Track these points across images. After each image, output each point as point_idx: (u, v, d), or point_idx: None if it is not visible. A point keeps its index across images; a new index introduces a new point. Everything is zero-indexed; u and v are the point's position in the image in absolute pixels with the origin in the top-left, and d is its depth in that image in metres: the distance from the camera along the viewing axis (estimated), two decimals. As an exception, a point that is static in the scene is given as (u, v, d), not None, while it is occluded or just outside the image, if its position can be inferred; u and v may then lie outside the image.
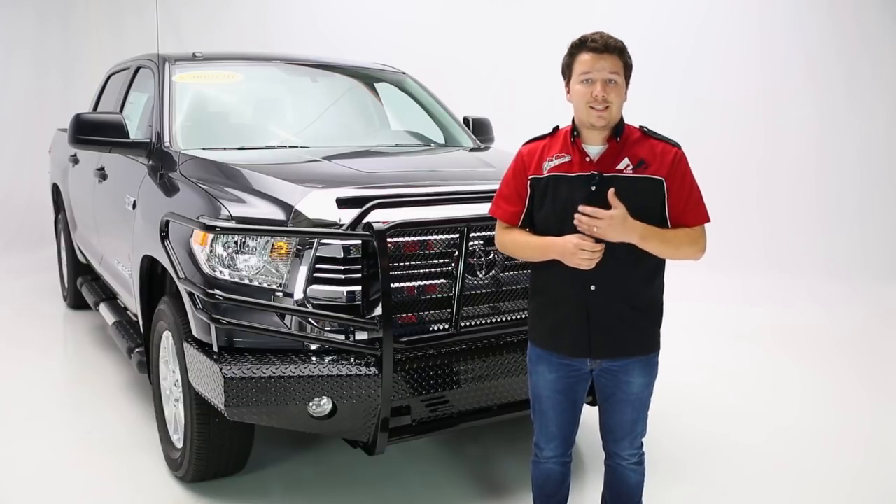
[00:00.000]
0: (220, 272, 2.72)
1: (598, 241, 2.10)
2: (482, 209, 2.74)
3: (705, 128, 7.66)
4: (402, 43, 8.08)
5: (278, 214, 2.74)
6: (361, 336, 2.71)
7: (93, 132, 3.61)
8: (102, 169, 4.37)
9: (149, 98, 4.12)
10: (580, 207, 2.08)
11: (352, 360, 2.66)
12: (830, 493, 3.24)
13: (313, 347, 2.72)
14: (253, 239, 2.70)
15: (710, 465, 3.46)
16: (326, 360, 2.66)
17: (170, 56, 4.09)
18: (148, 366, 3.50)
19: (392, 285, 2.65)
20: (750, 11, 7.65)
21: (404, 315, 2.77)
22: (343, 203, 2.74)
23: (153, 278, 3.45)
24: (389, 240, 2.62)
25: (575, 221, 2.09)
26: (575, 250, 2.10)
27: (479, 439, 3.63)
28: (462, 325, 2.80)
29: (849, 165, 7.43)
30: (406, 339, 2.69)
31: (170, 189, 3.28)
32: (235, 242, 2.71)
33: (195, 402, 2.86)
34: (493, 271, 2.91)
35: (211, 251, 2.73)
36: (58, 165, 5.88)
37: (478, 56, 8.31)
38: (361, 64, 4.80)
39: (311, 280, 2.67)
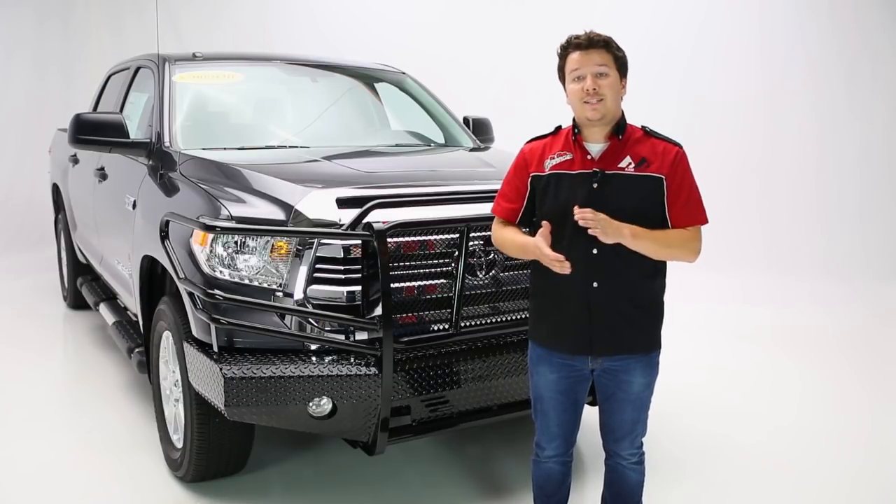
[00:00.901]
0: (220, 272, 2.72)
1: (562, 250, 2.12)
2: (482, 209, 2.75)
3: (705, 128, 7.66)
4: (403, 43, 8.08)
5: (278, 214, 2.74)
6: (361, 336, 2.71)
7: (93, 132, 3.61)
8: (102, 169, 4.37)
9: (149, 98, 4.12)
10: (575, 209, 2.09)
11: (352, 360, 2.66)
12: (830, 492, 3.24)
13: (313, 347, 2.72)
14: (253, 239, 2.70)
15: (711, 465, 3.46)
16: (326, 360, 2.66)
17: (170, 56, 4.09)
18: (148, 366, 3.50)
19: (392, 285, 2.65)
20: (750, 11, 7.65)
21: (404, 315, 2.77)
22: (343, 203, 2.74)
23: (153, 278, 3.45)
24: (389, 240, 2.62)
25: (577, 217, 2.08)
26: (537, 252, 2.15)
27: (479, 439, 3.63)
28: (462, 325, 2.80)
29: (849, 165, 7.43)
30: (406, 339, 2.69)
31: (170, 189, 3.28)
32: (235, 242, 2.71)
33: (195, 402, 2.86)
34: (493, 271, 2.91)
35: (211, 251, 2.73)
36: (58, 165, 5.88)
37: (478, 56, 8.32)
38: (361, 64, 4.80)
39: (311, 280, 2.67)
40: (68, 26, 9.26)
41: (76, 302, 5.85)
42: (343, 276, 2.68)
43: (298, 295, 2.67)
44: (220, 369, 2.55)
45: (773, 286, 6.73)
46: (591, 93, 2.12)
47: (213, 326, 2.63)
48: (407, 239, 2.75)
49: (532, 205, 2.30)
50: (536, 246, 2.15)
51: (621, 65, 2.18)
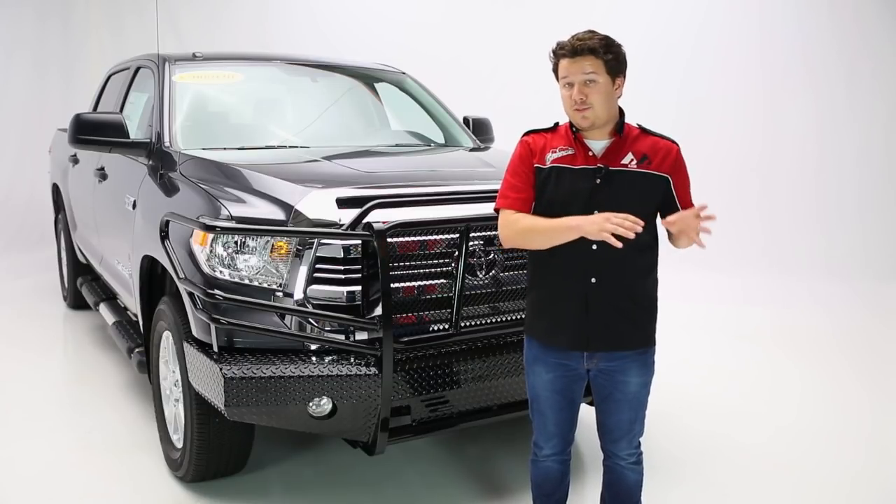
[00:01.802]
0: (220, 272, 2.72)
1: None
2: (482, 209, 2.75)
3: (705, 127, 7.66)
4: (403, 43, 8.08)
5: (278, 214, 2.74)
6: (361, 336, 2.71)
7: (93, 132, 3.61)
8: (102, 169, 4.37)
9: (149, 98, 4.12)
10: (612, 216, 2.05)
11: (352, 360, 2.66)
12: (830, 493, 3.24)
13: (313, 347, 2.72)
14: (253, 239, 2.70)
15: (710, 465, 3.46)
16: (326, 360, 2.66)
17: (170, 56, 4.09)
18: (148, 366, 3.50)
19: (392, 285, 2.65)
20: (750, 11, 7.65)
21: (404, 315, 2.77)
22: (343, 203, 2.74)
23: (153, 278, 3.45)
24: (389, 240, 2.62)
25: (612, 226, 2.02)
26: (604, 223, 2.03)
27: (478, 439, 3.63)
28: (462, 325, 2.80)
29: (849, 165, 7.43)
30: (406, 339, 2.69)
31: (170, 189, 3.28)
32: (235, 242, 2.71)
33: (195, 402, 2.86)
34: (493, 271, 2.91)
35: (211, 251, 2.73)
36: (58, 165, 5.88)
37: (478, 56, 8.31)
38: (361, 64, 4.80)
39: (311, 280, 2.67)
40: (68, 26, 9.26)
41: (76, 302, 5.85)
42: (343, 276, 2.68)
43: (298, 295, 2.67)
44: (220, 369, 2.55)
45: (773, 286, 6.74)
46: (578, 102, 2.15)
47: (213, 326, 2.63)
48: (407, 239, 2.75)
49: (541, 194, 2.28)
50: (604, 217, 2.04)
51: (612, 66, 2.18)
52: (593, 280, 2.20)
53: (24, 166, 8.58)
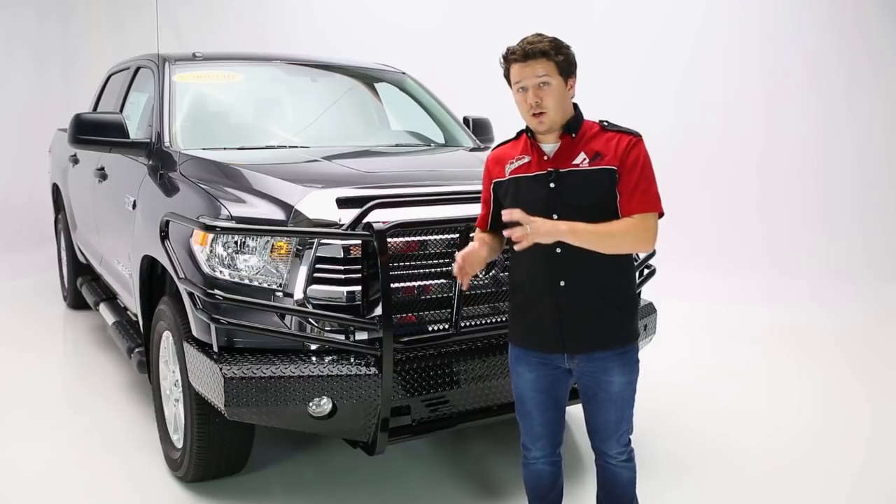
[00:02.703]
0: (220, 272, 2.72)
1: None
2: (482, 209, 2.75)
3: (705, 127, 7.67)
4: (403, 43, 8.08)
5: (278, 214, 2.74)
6: (361, 336, 2.71)
7: (93, 132, 3.61)
8: (102, 169, 4.37)
9: (149, 98, 4.12)
10: (503, 212, 2.13)
11: (352, 360, 2.66)
12: (830, 493, 3.24)
13: (313, 347, 2.72)
14: (253, 239, 2.70)
15: (710, 465, 3.46)
16: (326, 360, 2.66)
17: (170, 56, 4.09)
18: (148, 366, 3.50)
19: (392, 285, 2.65)
20: (750, 11, 7.65)
21: (404, 315, 2.77)
22: (343, 203, 2.74)
23: (153, 278, 3.45)
24: (389, 240, 2.62)
25: (505, 233, 2.11)
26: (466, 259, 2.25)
27: (478, 439, 3.63)
28: (462, 325, 2.80)
29: (849, 165, 7.43)
30: (406, 339, 2.69)
31: (170, 189, 3.28)
32: (235, 242, 2.71)
33: (195, 402, 2.86)
34: (493, 271, 2.91)
35: (211, 251, 2.73)
36: (58, 165, 5.88)
37: (478, 56, 8.26)
38: (361, 64, 4.80)
39: (311, 280, 2.67)
40: (68, 26, 9.26)
41: (76, 302, 5.85)
42: (343, 276, 2.68)
43: (298, 295, 2.67)
44: (220, 369, 2.55)
45: (773, 286, 6.74)
46: (533, 105, 2.16)
47: (213, 326, 2.63)
48: (407, 239, 2.75)
49: (497, 210, 2.31)
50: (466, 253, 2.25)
51: (564, 68, 2.18)
52: (562, 283, 2.19)
53: (24, 166, 8.58)
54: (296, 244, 2.69)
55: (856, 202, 7.39)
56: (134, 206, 3.60)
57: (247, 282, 2.70)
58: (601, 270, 2.19)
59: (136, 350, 3.70)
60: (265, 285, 2.70)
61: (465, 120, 4.70)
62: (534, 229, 2.06)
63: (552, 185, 2.17)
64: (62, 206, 5.85)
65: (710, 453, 3.57)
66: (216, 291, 2.62)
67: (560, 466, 2.49)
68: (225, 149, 3.63)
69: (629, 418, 2.37)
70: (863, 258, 7.11)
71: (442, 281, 2.82)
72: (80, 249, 5.37)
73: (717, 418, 3.98)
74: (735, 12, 7.70)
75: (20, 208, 8.51)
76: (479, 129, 4.71)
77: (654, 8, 7.94)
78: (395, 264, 2.73)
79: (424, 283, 2.80)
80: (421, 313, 2.80)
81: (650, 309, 3.41)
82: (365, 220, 2.65)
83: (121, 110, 4.52)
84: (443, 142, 4.39)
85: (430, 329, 2.80)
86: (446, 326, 2.80)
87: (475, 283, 2.87)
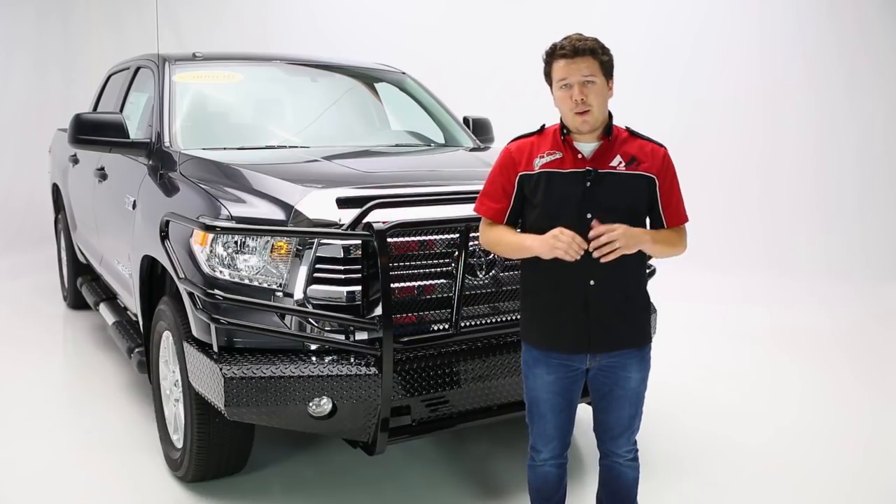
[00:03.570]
0: (220, 272, 2.72)
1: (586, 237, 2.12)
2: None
3: (705, 127, 7.67)
4: (403, 43, 8.08)
5: (278, 214, 2.74)
6: (361, 336, 2.71)
7: (93, 132, 3.61)
8: (102, 169, 4.37)
9: (149, 98, 4.12)
10: (591, 233, 2.10)
11: (352, 360, 2.66)
12: (830, 493, 3.24)
13: (313, 347, 2.72)
14: (253, 239, 2.70)
15: (710, 465, 3.46)
16: (326, 360, 2.66)
17: (170, 56, 4.09)
18: (148, 366, 3.50)
19: (392, 285, 2.65)
20: (750, 12, 7.65)
21: (404, 315, 2.77)
22: (343, 203, 2.74)
23: (153, 278, 3.45)
24: (389, 240, 2.62)
25: (591, 248, 2.11)
26: (555, 242, 2.12)
27: (479, 439, 3.63)
28: (462, 325, 2.80)
29: (849, 165, 7.43)
30: (406, 339, 2.69)
31: (170, 189, 3.28)
32: (235, 242, 2.71)
33: (195, 402, 2.86)
34: (493, 271, 2.91)
35: (211, 251, 2.73)
36: (58, 165, 5.88)
37: (478, 56, 8.32)
38: (361, 64, 4.80)
39: (311, 280, 2.67)
40: (68, 26, 9.26)
41: (76, 302, 5.85)
42: (343, 276, 2.68)
43: (298, 295, 2.67)
44: (220, 369, 2.55)
45: (773, 286, 6.74)
46: (579, 102, 2.15)
47: (213, 326, 2.64)
48: (407, 239, 2.75)
49: (519, 204, 2.31)
50: (553, 236, 2.12)
51: (608, 68, 2.21)
52: (592, 283, 2.21)
53: (24, 166, 8.58)
54: (296, 244, 2.69)
55: (856, 202, 7.39)
56: (134, 206, 3.60)
57: (247, 282, 2.70)
58: (626, 272, 2.25)
59: (136, 350, 3.70)
60: (265, 285, 2.70)
61: (465, 120, 4.70)
62: (625, 238, 2.09)
63: (588, 184, 2.18)
64: (62, 206, 5.85)
65: (710, 453, 3.57)
66: (216, 291, 2.62)
67: (566, 468, 2.49)
68: (225, 149, 3.63)
69: (640, 415, 2.40)
70: (863, 258, 7.11)
71: (442, 281, 2.82)
72: (80, 249, 5.37)
73: (717, 418, 3.98)
74: (735, 12, 7.70)
75: (20, 208, 8.51)
76: (479, 129, 4.71)
77: (654, 8, 7.94)
78: (395, 264, 2.73)
79: (424, 283, 2.80)
80: (421, 313, 2.80)
81: (651, 309, 3.41)
82: (365, 220, 2.65)
83: (121, 110, 4.52)
84: (443, 142, 4.39)
85: (430, 329, 2.80)
86: (446, 326, 2.80)
87: (475, 283, 2.87)
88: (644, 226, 2.26)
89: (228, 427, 2.91)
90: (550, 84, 2.26)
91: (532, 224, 2.26)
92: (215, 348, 2.66)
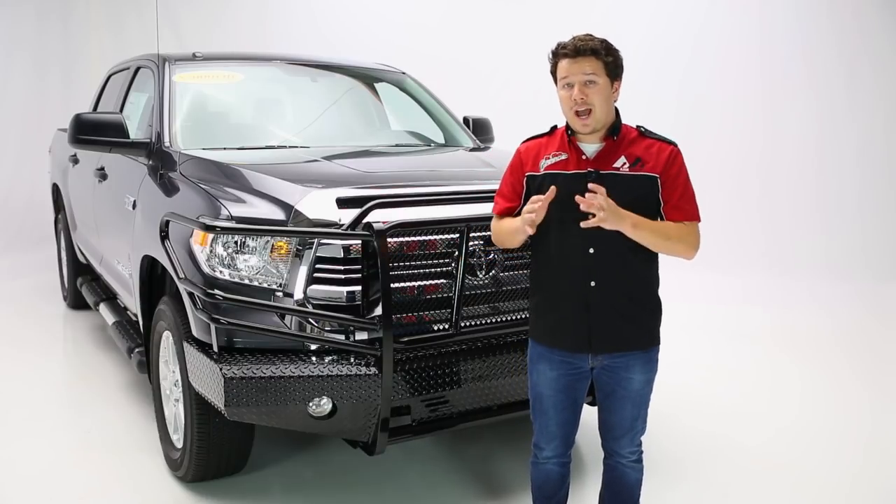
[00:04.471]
0: (220, 272, 2.72)
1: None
2: (482, 209, 2.75)
3: (705, 127, 7.66)
4: (403, 43, 8.08)
5: (278, 214, 2.74)
6: (361, 336, 2.71)
7: (93, 132, 3.61)
8: (102, 169, 4.37)
9: (149, 98, 4.12)
10: (589, 187, 2.06)
11: (352, 360, 2.66)
12: (830, 493, 3.24)
13: (313, 347, 2.72)
14: (253, 239, 2.70)
15: (710, 465, 3.46)
16: (326, 360, 2.66)
17: (170, 56, 4.09)
18: (148, 366, 3.50)
19: (392, 285, 2.65)
20: (750, 12, 7.65)
21: (404, 315, 2.77)
22: (343, 203, 2.74)
23: (153, 278, 3.45)
24: (389, 240, 2.62)
25: (582, 200, 2.05)
26: (524, 223, 2.13)
27: (479, 439, 3.63)
28: (462, 325, 2.80)
29: (849, 165, 7.43)
30: (406, 339, 2.69)
31: (170, 189, 3.28)
32: (235, 242, 2.71)
33: (195, 402, 2.86)
34: (493, 271, 2.91)
35: (211, 251, 2.73)
36: (58, 165, 5.88)
37: (478, 56, 8.31)
38: (361, 64, 4.80)
39: (311, 280, 2.67)
40: (68, 26, 9.26)
41: (76, 302, 5.85)
42: (343, 276, 2.68)
43: (298, 295, 2.67)
44: (220, 369, 2.55)
45: (773, 286, 6.73)
46: (579, 101, 2.15)
47: (213, 326, 2.63)
48: (407, 239, 2.75)
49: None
50: (522, 217, 2.14)
51: (612, 69, 2.19)
52: (592, 283, 2.20)
53: (24, 166, 8.58)
54: (296, 244, 2.69)
55: (856, 202, 7.39)
56: (134, 206, 3.60)
57: (247, 282, 2.70)
58: (631, 273, 2.22)
59: (136, 350, 3.70)
60: (265, 285, 2.70)
61: (465, 120, 4.69)
62: (609, 211, 2.03)
63: (589, 185, 2.16)
64: (62, 206, 5.85)
65: (710, 453, 3.57)
66: (216, 291, 2.62)
67: (569, 468, 2.49)
68: (225, 149, 3.63)
69: (644, 417, 2.38)
70: (863, 258, 7.11)
71: (442, 281, 2.82)
72: (80, 249, 5.37)
73: (717, 418, 3.98)
74: (735, 12, 7.70)
75: (20, 208, 8.51)
76: (479, 129, 4.71)
77: (654, 8, 7.94)
78: (395, 264, 2.73)
79: (424, 283, 2.80)
80: (421, 313, 2.80)
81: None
82: (365, 220, 2.65)
83: (121, 110, 4.52)
84: (443, 142, 4.39)
85: (430, 329, 2.80)
86: (446, 326, 2.80)
87: (475, 283, 2.87)
88: None
89: (228, 427, 2.91)
90: (555, 82, 2.26)
91: (539, 224, 2.25)
92: (215, 348, 2.66)
